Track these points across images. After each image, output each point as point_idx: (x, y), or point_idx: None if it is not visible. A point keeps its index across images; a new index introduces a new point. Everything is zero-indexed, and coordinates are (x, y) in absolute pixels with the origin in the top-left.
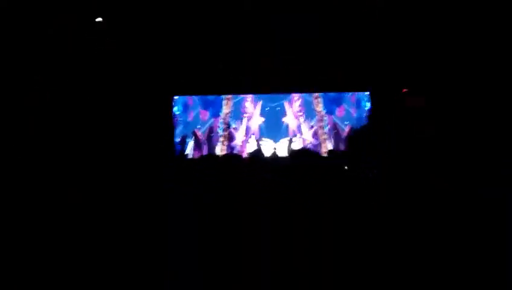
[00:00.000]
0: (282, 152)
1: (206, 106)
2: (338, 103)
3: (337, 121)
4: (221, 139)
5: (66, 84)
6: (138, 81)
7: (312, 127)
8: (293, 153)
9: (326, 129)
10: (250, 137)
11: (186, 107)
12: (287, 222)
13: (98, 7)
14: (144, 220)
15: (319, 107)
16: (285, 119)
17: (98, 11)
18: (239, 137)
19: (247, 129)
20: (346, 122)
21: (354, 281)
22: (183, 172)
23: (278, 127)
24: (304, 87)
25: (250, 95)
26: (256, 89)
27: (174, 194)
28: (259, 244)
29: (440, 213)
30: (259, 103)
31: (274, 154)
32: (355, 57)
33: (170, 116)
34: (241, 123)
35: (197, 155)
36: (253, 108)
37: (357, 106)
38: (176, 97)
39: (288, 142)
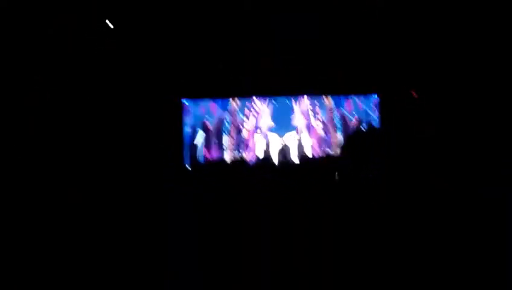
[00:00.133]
0: (291, 145)
1: (215, 99)
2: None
3: (346, 113)
4: (229, 130)
5: (66, 84)
6: (138, 82)
7: (323, 122)
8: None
9: (336, 121)
10: (257, 131)
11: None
12: (287, 222)
13: (98, 7)
14: (144, 220)
15: (328, 100)
16: (293, 117)
17: (98, 11)
18: (246, 130)
19: (255, 123)
20: (353, 113)
21: (354, 281)
22: (190, 177)
23: (285, 124)
24: (311, 89)
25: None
26: (263, 92)
27: (174, 194)
28: (259, 244)
29: (440, 213)
30: (267, 100)
31: (284, 150)
32: (362, 58)
33: (179, 120)
34: (249, 117)
35: (206, 148)
36: (260, 104)
37: (364, 98)
38: (185, 102)
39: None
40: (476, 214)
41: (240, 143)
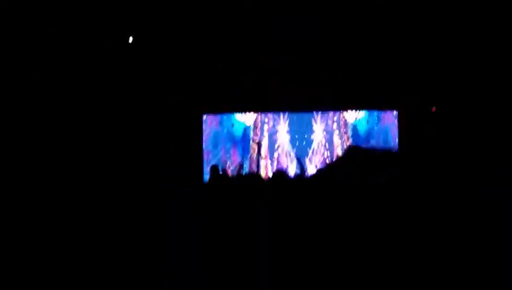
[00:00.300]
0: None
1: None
2: None
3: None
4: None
5: (66, 84)
6: (135, 84)
7: (341, 138)
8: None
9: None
10: (275, 147)
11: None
12: (287, 222)
13: (98, 7)
14: (144, 220)
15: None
16: (313, 136)
17: (98, 11)
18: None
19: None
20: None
21: (355, 281)
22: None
23: (303, 138)
24: (328, 105)
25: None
26: (280, 107)
27: (174, 194)
28: (259, 244)
29: (440, 213)
30: (284, 116)
31: (300, 164)
32: (382, 73)
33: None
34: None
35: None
36: (278, 119)
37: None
38: (204, 117)
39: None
40: (476, 214)
41: (258, 159)
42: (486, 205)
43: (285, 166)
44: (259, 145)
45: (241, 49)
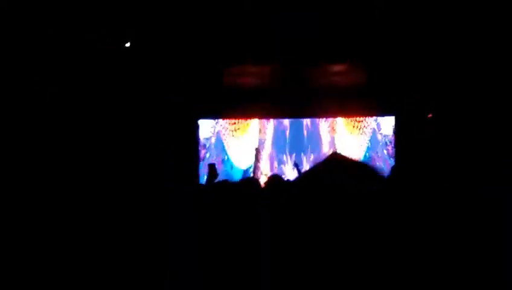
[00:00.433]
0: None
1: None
2: None
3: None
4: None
5: (66, 84)
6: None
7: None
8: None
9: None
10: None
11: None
12: (287, 222)
13: (98, 7)
14: (144, 220)
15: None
16: (306, 138)
17: (98, 11)
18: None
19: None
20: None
21: (355, 281)
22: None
23: (298, 144)
24: (325, 112)
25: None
26: (278, 113)
27: (174, 194)
28: (259, 244)
29: (440, 213)
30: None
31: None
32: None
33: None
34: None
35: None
36: (273, 125)
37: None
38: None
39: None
40: (476, 214)
41: (256, 164)
42: (486, 205)
43: (282, 171)
44: (257, 151)
45: (241, 49)
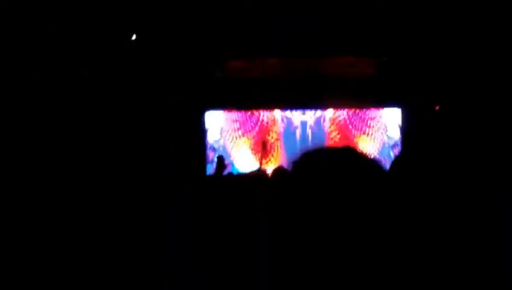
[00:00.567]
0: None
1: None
2: None
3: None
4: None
5: (66, 84)
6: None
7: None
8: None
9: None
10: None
11: None
12: (287, 222)
13: (98, 7)
14: (144, 220)
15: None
16: (310, 129)
17: (98, 11)
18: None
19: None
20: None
21: (355, 281)
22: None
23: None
24: (331, 103)
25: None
26: (281, 104)
27: (174, 194)
28: (259, 244)
29: (440, 213)
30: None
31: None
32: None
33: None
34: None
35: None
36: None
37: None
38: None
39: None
40: (476, 214)
41: (263, 155)
42: (486, 205)
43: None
44: (264, 144)
45: (241, 49)
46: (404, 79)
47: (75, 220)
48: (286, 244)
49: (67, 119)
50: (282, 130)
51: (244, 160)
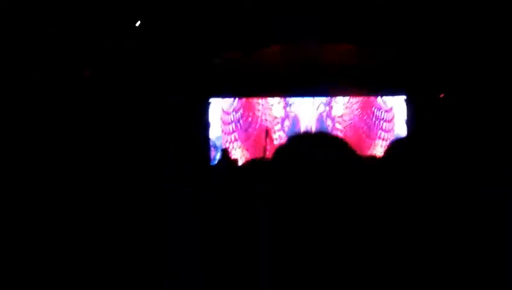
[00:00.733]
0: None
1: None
2: None
3: None
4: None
5: (66, 84)
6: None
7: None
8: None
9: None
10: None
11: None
12: (287, 222)
13: (98, 7)
14: (144, 220)
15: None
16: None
17: (98, 11)
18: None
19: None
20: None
21: (355, 281)
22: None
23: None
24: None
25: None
26: (281, 92)
27: (174, 194)
28: (259, 244)
29: (440, 213)
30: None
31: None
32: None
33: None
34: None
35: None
36: (283, 104)
37: None
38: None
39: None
40: (476, 214)
41: (266, 145)
42: (486, 205)
43: None
44: (267, 132)
45: (241, 48)
46: (407, 69)
47: (75, 220)
48: (286, 242)
49: (67, 119)
50: (283, 123)
51: (245, 153)
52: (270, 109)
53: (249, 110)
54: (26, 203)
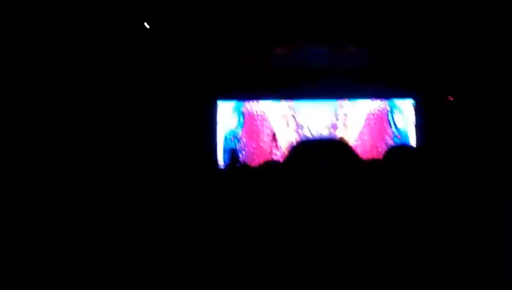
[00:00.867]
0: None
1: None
2: None
3: None
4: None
5: (66, 84)
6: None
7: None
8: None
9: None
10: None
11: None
12: (287, 222)
13: (98, 7)
14: (144, 220)
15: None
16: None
17: (98, 11)
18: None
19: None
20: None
21: (355, 281)
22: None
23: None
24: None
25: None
26: (289, 95)
27: (174, 194)
28: (259, 244)
29: (440, 213)
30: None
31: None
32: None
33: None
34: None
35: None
36: (290, 107)
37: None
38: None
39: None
40: (476, 214)
41: (272, 147)
42: (486, 205)
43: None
44: (273, 136)
45: (241, 48)
46: (414, 72)
47: (75, 220)
48: (286, 242)
49: (67, 119)
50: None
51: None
52: (277, 114)
53: (256, 114)
54: (26, 203)
